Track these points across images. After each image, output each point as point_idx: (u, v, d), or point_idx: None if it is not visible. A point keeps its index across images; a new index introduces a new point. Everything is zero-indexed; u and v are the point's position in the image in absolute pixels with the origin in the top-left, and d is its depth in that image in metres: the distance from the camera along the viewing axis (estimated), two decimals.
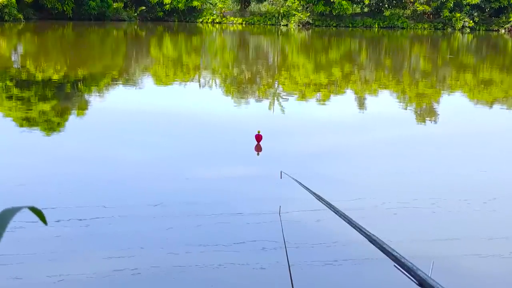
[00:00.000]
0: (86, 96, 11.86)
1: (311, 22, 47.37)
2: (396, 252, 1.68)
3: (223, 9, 48.98)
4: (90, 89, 12.82)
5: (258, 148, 7.23)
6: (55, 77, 14.31)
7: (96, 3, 41.99)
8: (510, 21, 47.81)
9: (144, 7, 46.30)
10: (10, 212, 0.84)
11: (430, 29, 48.21)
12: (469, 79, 17.60)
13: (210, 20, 47.95)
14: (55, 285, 3.69)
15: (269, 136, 8.17)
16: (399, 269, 1.70)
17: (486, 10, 48.64)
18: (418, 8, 48.18)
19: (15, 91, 11.85)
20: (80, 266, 3.94)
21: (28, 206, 0.83)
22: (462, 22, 47.95)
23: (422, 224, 5.01)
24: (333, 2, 45.99)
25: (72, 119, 9.53)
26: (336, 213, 2.35)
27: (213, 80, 15.54)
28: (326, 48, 29.18)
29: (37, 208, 0.84)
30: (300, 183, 3.50)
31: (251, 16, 48.68)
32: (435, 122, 9.99)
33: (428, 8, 48.07)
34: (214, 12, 48.68)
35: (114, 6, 44.12)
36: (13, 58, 19.38)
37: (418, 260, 4.10)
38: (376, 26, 47.95)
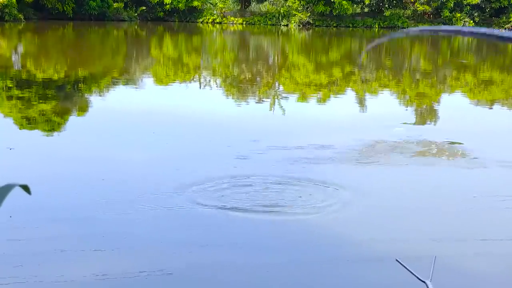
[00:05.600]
0: (86, 96, 11.86)
1: (311, 22, 47.33)
2: None
3: (224, 9, 48.92)
4: (90, 89, 12.81)
5: None
6: (56, 77, 14.31)
7: (97, 3, 41.95)
8: (510, 21, 47.78)
9: (144, 7, 46.26)
10: (4, 191, 0.91)
11: None
12: (471, 79, 17.59)
13: (210, 20, 47.91)
14: (55, 285, 3.69)
15: (269, 135, 8.17)
16: (401, 264, 1.71)
17: (487, 10, 48.60)
18: (418, 8, 48.15)
19: (15, 91, 11.85)
20: (80, 266, 3.93)
21: (19, 184, 0.94)
22: (463, 22, 47.90)
23: (423, 224, 5.00)
24: (334, 2, 45.95)
25: (72, 119, 9.53)
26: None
27: (214, 80, 15.53)
28: (327, 48, 29.17)
29: (25, 184, 0.97)
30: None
31: (251, 16, 48.65)
32: (437, 121, 9.98)
33: (428, 8, 48.04)
34: (215, 12, 48.62)
35: (115, 6, 44.06)
36: (13, 58, 19.38)
37: (421, 259, 4.11)
38: (377, 26, 47.91)
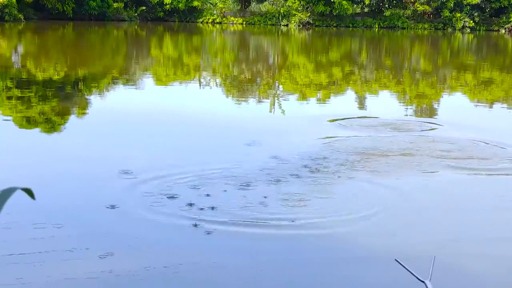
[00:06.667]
0: (86, 96, 11.86)
1: (311, 22, 47.33)
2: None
3: (224, 9, 48.91)
4: (90, 89, 12.81)
5: None
6: (56, 77, 14.31)
7: (97, 3, 41.94)
8: (511, 21, 47.77)
9: (144, 7, 46.24)
10: (6, 194, 0.91)
11: (430, 29, 48.18)
12: (471, 79, 17.60)
13: (210, 20, 47.90)
14: (55, 285, 3.69)
15: (269, 135, 8.18)
16: (401, 264, 1.71)
17: (487, 10, 48.58)
18: (418, 8, 48.13)
19: (15, 91, 11.85)
20: (80, 266, 3.93)
21: (21, 188, 0.94)
22: (463, 22, 47.89)
23: (423, 224, 5.01)
24: (333, 2, 45.93)
25: (72, 119, 9.53)
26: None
27: (214, 80, 15.54)
28: (327, 48, 29.18)
29: (28, 188, 0.96)
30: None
31: (251, 16, 48.64)
32: (438, 121, 9.97)
33: (428, 8, 48.02)
34: (215, 12, 48.60)
35: (115, 6, 44.04)
36: (13, 58, 19.38)
37: (421, 259, 4.11)
38: (377, 26, 47.91)
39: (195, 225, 4.63)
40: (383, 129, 8.79)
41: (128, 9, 45.93)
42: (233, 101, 12.31)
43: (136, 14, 45.94)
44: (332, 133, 8.39)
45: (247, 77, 16.39)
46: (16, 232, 4.46)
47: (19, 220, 4.62)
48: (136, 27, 40.31)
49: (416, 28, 47.96)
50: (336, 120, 9.44)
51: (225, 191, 5.49)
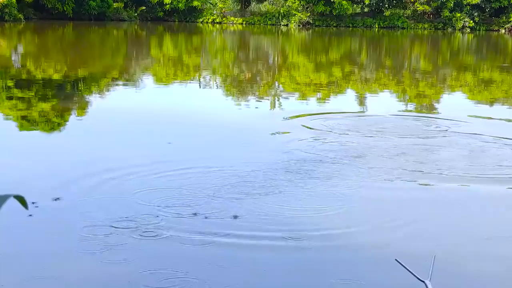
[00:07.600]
0: (86, 96, 11.86)
1: (311, 22, 47.35)
2: None
3: (224, 9, 48.93)
4: (90, 89, 12.81)
5: None
6: (56, 77, 14.31)
7: (97, 3, 41.94)
8: (510, 21, 47.78)
9: (144, 7, 46.25)
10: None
11: (430, 29, 48.19)
12: (471, 79, 17.61)
13: (210, 20, 47.92)
14: (55, 285, 3.69)
15: (268, 135, 8.18)
16: (401, 264, 1.71)
17: (486, 10, 48.59)
18: (418, 8, 48.15)
19: (15, 91, 11.85)
20: (79, 267, 3.93)
21: (13, 195, 0.92)
22: (462, 22, 47.91)
23: (423, 223, 5.01)
24: (333, 2, 45.95)
25: (72, 119, 9.52)
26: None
27: (214, 80, 15.55)
28: (327, 48, 29.18)
29: (20, 195, 0.93)
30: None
31: (251, 16, 48.66)
32: (439, 121, 9.97)
33: (428, 8, 48.04)
34: (215, 12, 48.63)
35: (114, 6, 44.05)
36: (13, 58, 19.38)
37: (421, 259, 4.11)
38: (376, 26, 47.92)
39: (193, 226, 4.63)
40: (384, 129, 8.79)
41: (128, 9, 45.94)
42: (233, 101, 12.31)
43: (136, 14, 45.95)
44: (331, 132, 8.39)
45: (247, 77, 16.39)
46: (16, 232, 4.46)
47: (18, 220, 4.62)
48: (136, 27, 40.31)
49: (416, 28, 47.97)
50: (336, 120, 9.44)
51: (224, 191, 5.49)
